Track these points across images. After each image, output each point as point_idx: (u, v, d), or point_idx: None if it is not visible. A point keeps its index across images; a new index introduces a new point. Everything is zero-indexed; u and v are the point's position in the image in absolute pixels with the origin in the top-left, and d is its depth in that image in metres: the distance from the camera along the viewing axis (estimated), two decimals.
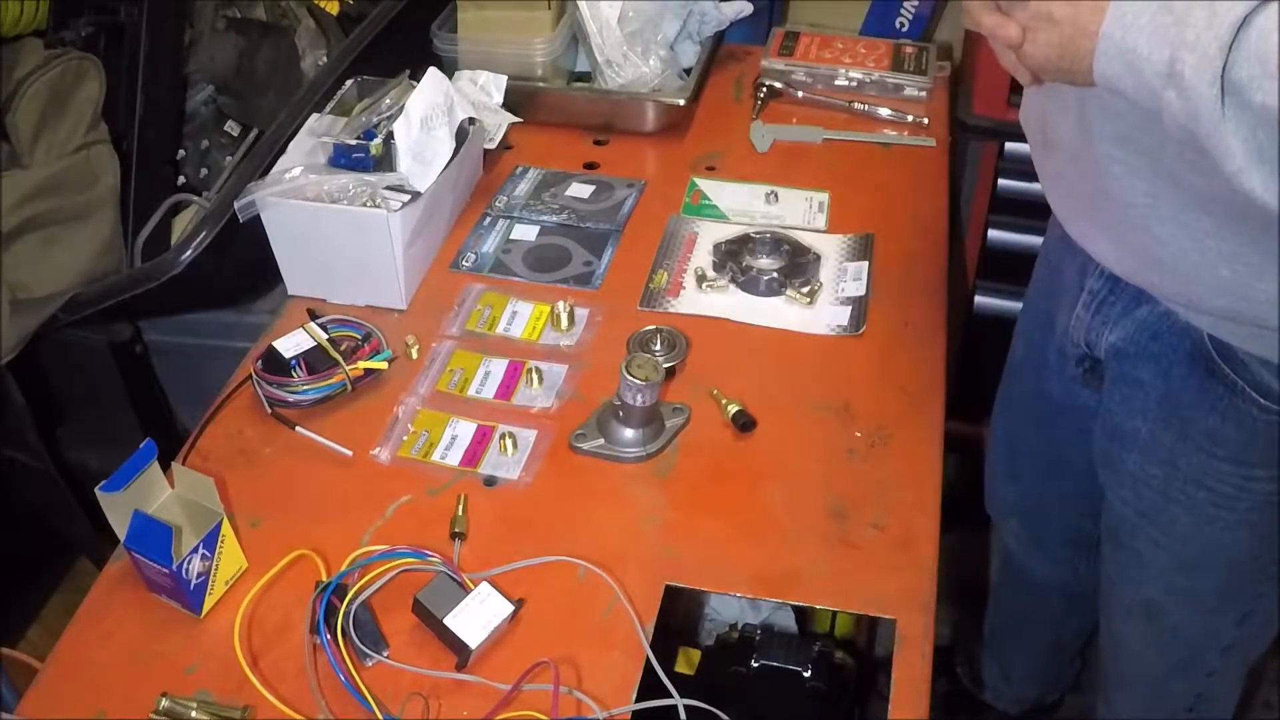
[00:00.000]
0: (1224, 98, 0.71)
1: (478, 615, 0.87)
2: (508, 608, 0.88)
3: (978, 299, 1.85)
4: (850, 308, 1.20)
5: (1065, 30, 0.79)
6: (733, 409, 1.06)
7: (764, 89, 1.54)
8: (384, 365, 1.10)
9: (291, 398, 1.07)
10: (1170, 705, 1.25)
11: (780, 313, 1.20)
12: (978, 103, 1.68)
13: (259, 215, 1.16)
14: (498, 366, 1.13)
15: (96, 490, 0.87)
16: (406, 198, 1.17)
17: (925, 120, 1.49)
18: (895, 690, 0.85)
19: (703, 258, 1.27)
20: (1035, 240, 1.26)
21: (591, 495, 1.01)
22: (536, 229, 1.32)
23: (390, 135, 1.19)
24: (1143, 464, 1.05)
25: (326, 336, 1.10)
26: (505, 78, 1.42)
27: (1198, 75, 0.71)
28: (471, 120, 1.30)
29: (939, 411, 1.08)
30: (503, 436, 1.04)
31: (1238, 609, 1.12)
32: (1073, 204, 1.01)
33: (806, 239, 1.28)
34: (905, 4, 1.80)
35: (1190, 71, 0.72)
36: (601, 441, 1.04)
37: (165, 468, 0.94)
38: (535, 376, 1.11)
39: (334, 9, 1.78)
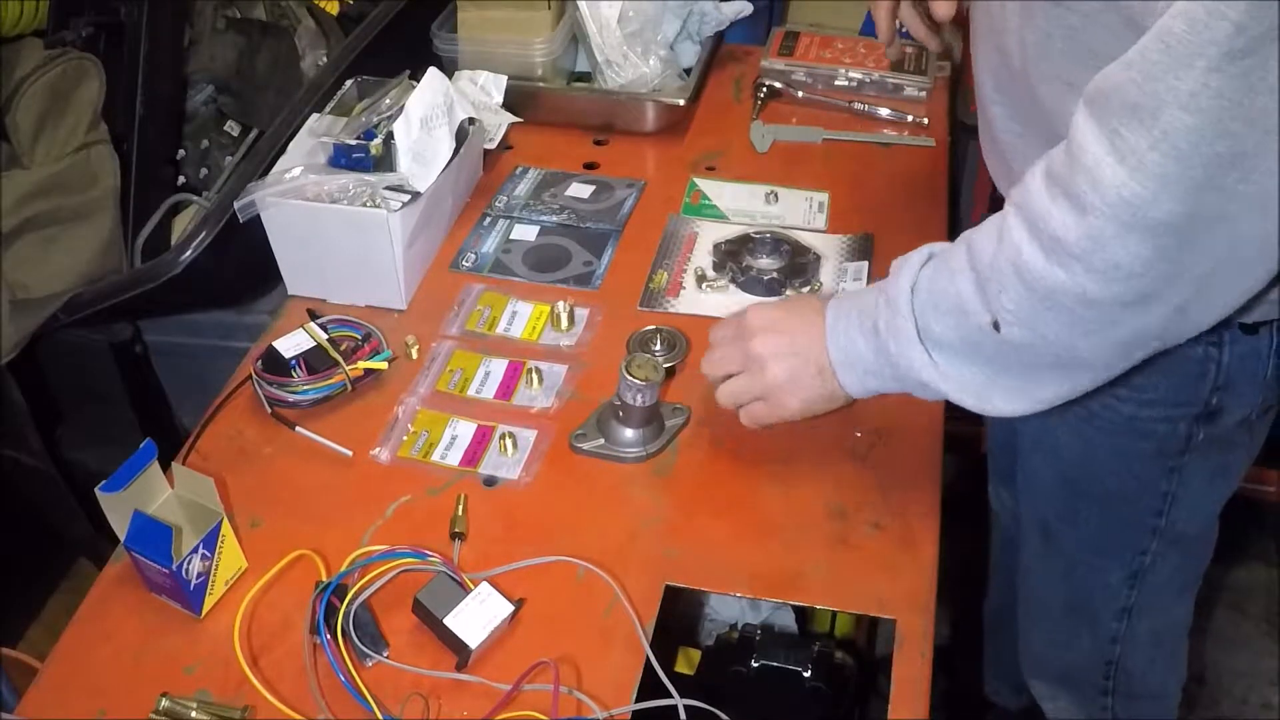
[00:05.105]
0: (931, 353, 0.85)
1: (478, 615, 0.87)
2: (508, 608, 0.88)
3: None
4: None
5: (796, 362, 0.95)
6: None
7: (764, 89, 1.54)
8: (384, 365, 1.10)
9: (291, 398, 1.07)
10: (1082, 664, 1.27)
11: None
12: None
13: (259, 215, 1.16)
14: (498, 366, 1.13)
15: (96, 490, 0.87)
16: (406, 198, 1.17)
17: (925, 120, 1.49)
18: (895, 690, 0.85)
19: (703, 258, 1.27)
20: None
21: (591, 495, 1.01)
22: (536, 229, 1.32)
23: (390, 135, 1.19)
24: None
25: (326, 336, 1.10)
26: (505, 78, 1.42)
27: (906, 350, 0.85)
28: (471, 120, 1.30)
29: (939, 411, 1.07)
30: (503, 436, 1.04)
31: (1123, 559, 1.14)
32: (995, 162, 1.05)
33: (806, 239, 1.28)
34: None
35: (895, 349, 0.86)
36: (601, 441, 1.04)
37: (165, 468, 0.94)
38: (535, 376, 1.11)
39: (334, 9, 1.78)
